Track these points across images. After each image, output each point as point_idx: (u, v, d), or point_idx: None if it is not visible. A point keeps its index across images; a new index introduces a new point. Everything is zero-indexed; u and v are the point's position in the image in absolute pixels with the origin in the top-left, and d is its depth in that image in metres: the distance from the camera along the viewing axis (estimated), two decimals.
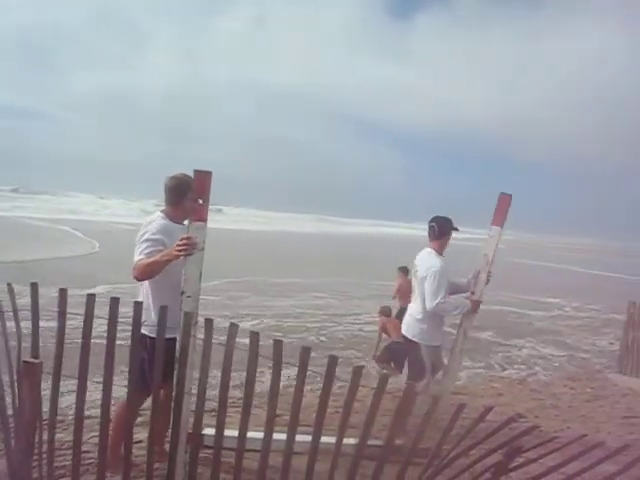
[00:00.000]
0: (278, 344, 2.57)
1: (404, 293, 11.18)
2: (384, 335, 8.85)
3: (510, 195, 4.56)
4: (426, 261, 4.66)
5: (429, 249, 4.76)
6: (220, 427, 2.83)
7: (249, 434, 2.97)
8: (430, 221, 4.79)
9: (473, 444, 2.81)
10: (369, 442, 2.94)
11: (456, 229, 4.80)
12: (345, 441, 3.00)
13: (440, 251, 4.72)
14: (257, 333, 2.64)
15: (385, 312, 9.29)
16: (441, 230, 4.72)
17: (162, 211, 3.47)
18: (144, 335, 3.10)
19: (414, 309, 4.77)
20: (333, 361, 2.53)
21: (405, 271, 11.38)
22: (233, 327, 2.69)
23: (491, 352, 10.84)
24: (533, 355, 10.94)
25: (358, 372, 2.55)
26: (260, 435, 2.86)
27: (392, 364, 7.83)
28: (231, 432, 2.99)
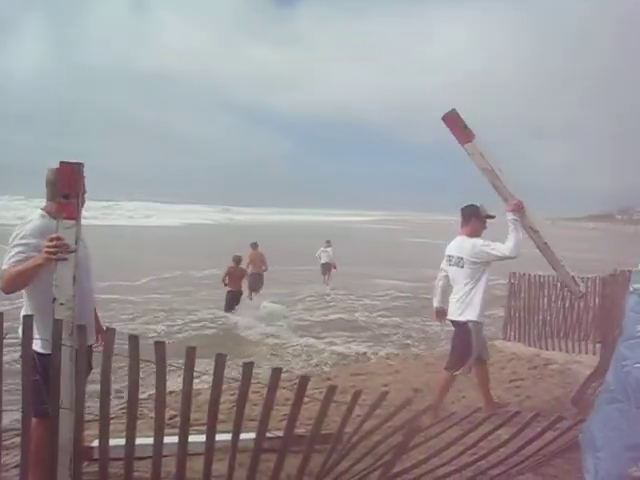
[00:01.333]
0: (160, 346, 2.37)
1: (254, 263, 13.46)
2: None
3: (451, 110, 4.29)
4: (461, 246, 4.79)
5: (460, 236, 4.88)
6: (103, 437, 2.60)
7: (141, 441, 2.78)
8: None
9: (374, 427, 2.78)
10: (269, 434, 2.83)
11: (490, 216, 4.92)
12: (245, 436, 2.87)
13: (471, 235, 4.81)
14: (136, 336, 2.42)
15: (236, 260, 12.17)
16: (464, 215, 4.91)
17: (42, 208, 2.99)
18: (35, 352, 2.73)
19: (458, 294, 4.81)
20: (221, 359, 2.37)
21: (255, 246, 13.85)
22: (110, 331, 2.45)
23: (389, 331, 11.26)
24: (425, 330, 11.38)
25: (249, 367, 2.41)
26: (151, 440, 2.67)
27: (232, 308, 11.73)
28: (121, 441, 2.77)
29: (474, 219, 4.86)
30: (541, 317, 8.33)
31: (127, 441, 2.63)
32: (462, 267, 4.76)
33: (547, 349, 7.92)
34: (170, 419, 3.90)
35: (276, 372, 2.43)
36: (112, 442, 2.69)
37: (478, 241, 4.70)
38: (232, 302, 11.95)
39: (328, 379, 6.17)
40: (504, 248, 4.54)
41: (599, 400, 0.74)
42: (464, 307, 4.73)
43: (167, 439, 2.69)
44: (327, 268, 16.79)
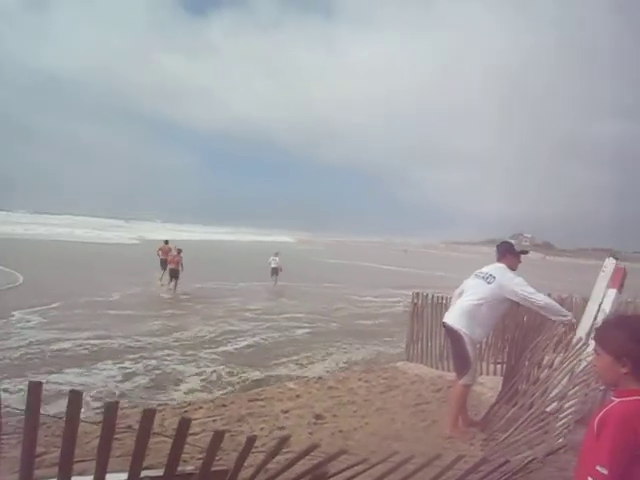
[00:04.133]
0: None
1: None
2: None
3: (624, 268, 4.86)
4: (500, 271, 4.97)
5: (500, 264, 5.09)
6: None
7: None
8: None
9: (275, 473, 2.34)
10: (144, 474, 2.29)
11: (524, 252, 5.27)
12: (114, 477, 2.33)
13: (511, 268, 5.06)
14: None
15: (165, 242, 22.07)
16: (499, 251, 5.18)
17: None
18: None
19: (467, 304, 4.90)
20: (76, 397, 1.80)
21: (166, 242, 22.18)
22: None
23: (302, 351, 10.80)
24: (334, 352, 11.06)
25: (113, 407, 1.86)
26: None
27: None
28: None
29: (509, 255, 5.10)
30: (443, 338, 8.22)
31: None
32: (489, 283, 4.85)
33: (449, 370, 7.80)
34: (37, 456, 3.21)
35: (149, 413, 1.90)
36: None
37: (521, 283, 4.83)
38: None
39: (223, 405, 5.60)
40: (539, 296, 4.77)
41: None
42: (470, 321, 4.78)
43: None
44: (276, 271, 23.49)
